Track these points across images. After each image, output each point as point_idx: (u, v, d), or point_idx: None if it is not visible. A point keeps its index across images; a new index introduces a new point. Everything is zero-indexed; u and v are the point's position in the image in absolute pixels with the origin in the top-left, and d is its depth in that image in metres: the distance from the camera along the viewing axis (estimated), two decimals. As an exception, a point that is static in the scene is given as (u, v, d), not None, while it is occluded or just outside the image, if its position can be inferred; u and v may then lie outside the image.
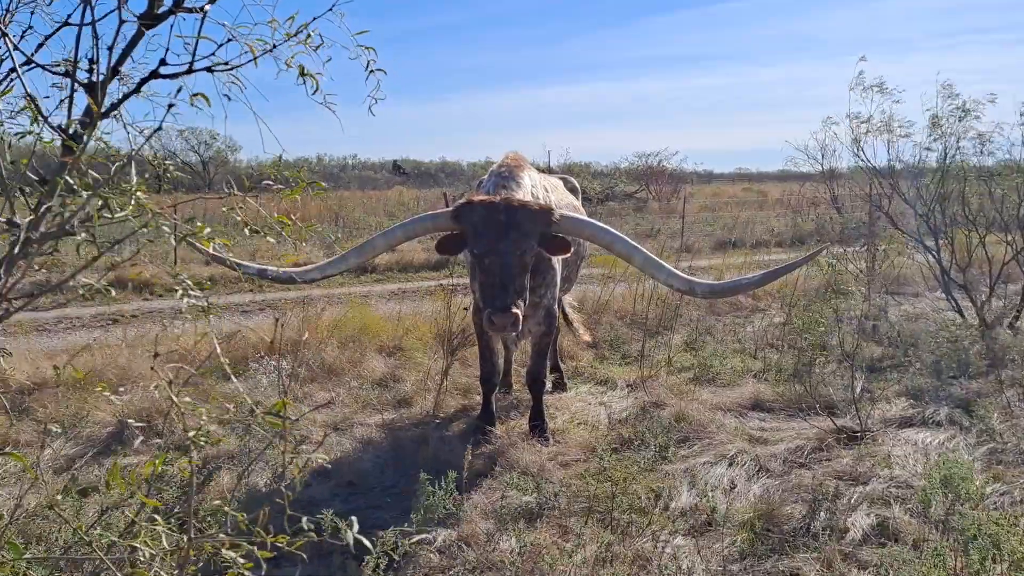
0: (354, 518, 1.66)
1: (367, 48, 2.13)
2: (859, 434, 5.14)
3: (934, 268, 8.75)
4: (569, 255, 4.91)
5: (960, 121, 8.31)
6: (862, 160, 9.47)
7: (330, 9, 2.05)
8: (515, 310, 4.38)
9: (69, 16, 2.12)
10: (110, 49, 1.89)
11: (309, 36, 2.02)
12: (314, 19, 2.03)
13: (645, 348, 7.17)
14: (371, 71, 2.18)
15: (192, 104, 1.85)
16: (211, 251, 2.04)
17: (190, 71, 2.01)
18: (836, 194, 18.41)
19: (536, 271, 4.88)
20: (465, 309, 6.06)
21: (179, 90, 1.86)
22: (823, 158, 13.59)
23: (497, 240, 4.52)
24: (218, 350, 1.83)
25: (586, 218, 5.33)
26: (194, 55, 1.99)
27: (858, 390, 5.84)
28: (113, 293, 1.82)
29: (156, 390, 1.76)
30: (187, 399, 1.76)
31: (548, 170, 14.19)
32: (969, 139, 8.32)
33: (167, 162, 2.22)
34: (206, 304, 1.78)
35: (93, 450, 4.87)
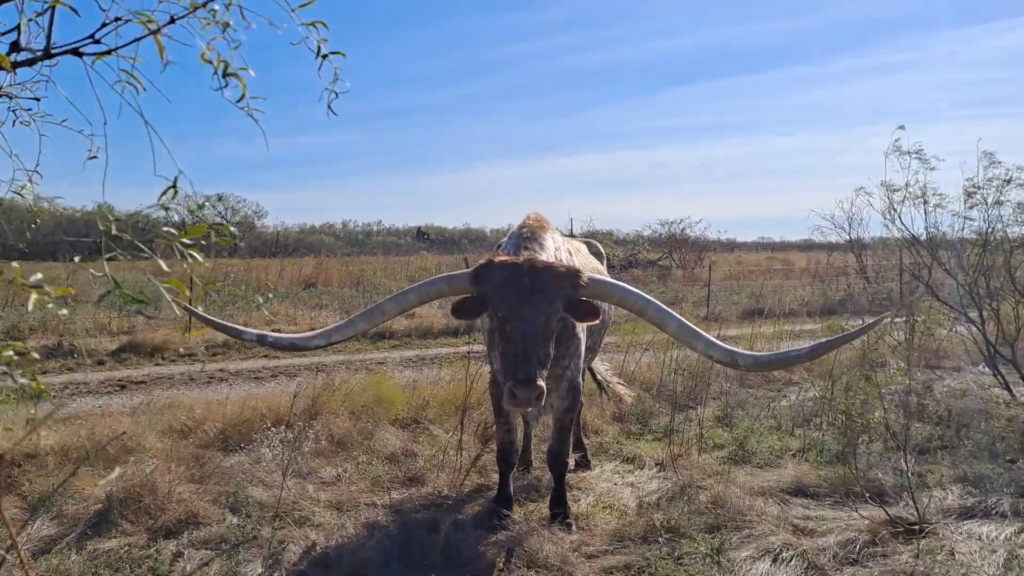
0: None
1: (313, 24, 1.68)
2: (916, 526, 4.64)
3: (978, 341, 8.28)
4: (596, 322, 4.52)
5: (1000, 192, 8.03)
6: (897, 229, 9.11)
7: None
8: (539, 382, 3.93)
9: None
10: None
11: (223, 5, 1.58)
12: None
13: (674, 423, 6.71)
14: (324, 55, 1.75)
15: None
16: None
17: (48, 55, 1.63)
18: (864, 264, 18.02)
19: (560, 340, 4.49)
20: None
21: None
22: (850, 227, 13.24)
23: (520, 304, 4.11)
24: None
25: (616, 281, 4.96)
26: (49, 35, 1.59)
27: (910, 475, 5.35)
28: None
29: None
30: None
31: (571, 236, 13.94)
32: (1013, 206, 8.01)
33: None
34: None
35: (76, 531, 4.47)
